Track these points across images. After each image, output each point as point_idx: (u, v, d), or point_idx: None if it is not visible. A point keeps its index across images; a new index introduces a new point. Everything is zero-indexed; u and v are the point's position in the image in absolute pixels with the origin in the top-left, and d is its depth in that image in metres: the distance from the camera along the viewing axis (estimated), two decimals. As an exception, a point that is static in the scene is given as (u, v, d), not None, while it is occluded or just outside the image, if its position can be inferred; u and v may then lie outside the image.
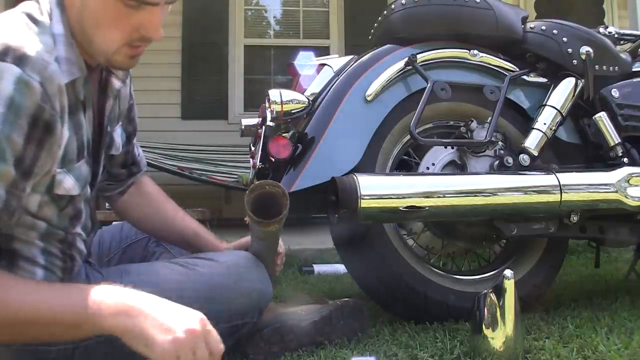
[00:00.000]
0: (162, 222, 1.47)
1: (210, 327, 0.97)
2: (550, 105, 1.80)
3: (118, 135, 1.32)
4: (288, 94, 1.71)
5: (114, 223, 1.57)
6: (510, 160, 1.74)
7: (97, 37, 1.05)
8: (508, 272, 1.31)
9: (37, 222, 1.08)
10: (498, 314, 1.29)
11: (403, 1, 1.79)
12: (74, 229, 1.16)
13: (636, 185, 1.72)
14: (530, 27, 1.88)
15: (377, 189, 1.54)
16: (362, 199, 1.49)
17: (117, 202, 1.47)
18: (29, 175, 0.98)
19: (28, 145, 0.96)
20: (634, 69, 1.94)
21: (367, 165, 1.65)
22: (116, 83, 1.24)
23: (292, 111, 1.69)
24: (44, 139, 0.98)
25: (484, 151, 1.76)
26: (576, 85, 1.83)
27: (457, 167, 1.76)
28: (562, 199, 1.66)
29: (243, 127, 1.89)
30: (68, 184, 1.09)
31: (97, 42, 1.06)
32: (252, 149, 1.83)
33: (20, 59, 0.95)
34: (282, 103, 1.67)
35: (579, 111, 1.87)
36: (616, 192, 1.71)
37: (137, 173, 1.46)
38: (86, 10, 1.04)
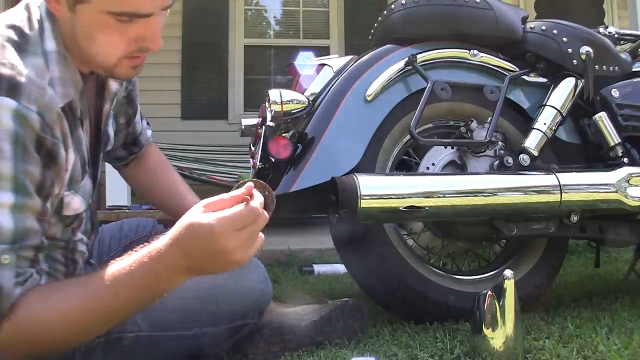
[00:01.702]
0: (160, 196, 1.50)
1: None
2: (550, 105, 1.80)
3: (111, 129, 1.31)
4: (288, 94, 1.71)
5: (114, 222, 1.57)
6: (510, 160, 1.74)
7: (93, 52, 1.01)
8: (508, 272, 1.31)
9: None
10: (498, 314, 1.29)
11: (403, 1, 1.79)
12: (75, 237, 1.16)
13: (636, 185, 1.72)
14: (530, 27, 1.88)
15: (377, 189, 1.54)
16: (362, 199, 1.49)
17: (122, 172, 1.52)
18: (48, 197, 0.99)
19: (43, 171, 0.96)
20: (634, 69, 1.94)
21: (367, 165, 1.64)
22: (114, 86, 1.22)
23: (292, 111, 1.69)
24: (50, 166, 0.98)
25: (484, 151, 1.76)
26: (576, 85, 1.83)
27: (457, 167, 1.76)
28: (562, 199, 1.66)
29: (243, 127, 1.88)
30: (76, 204, 1.09)
31: (93, 57, 1.02)
32: (252, 149, 1.83)
33: (14, 90, 0.92)
34: (282, 103, 1.67)
35: (579, 111, 1.87)
36: (616, 192, 1.70)
37: (138, 152, 1.47)
38: (78, 25, 0.99)
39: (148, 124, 1.52)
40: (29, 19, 1.01)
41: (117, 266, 0.96)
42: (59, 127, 0.98)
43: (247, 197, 0.95)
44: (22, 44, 0.98)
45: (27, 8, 1.03)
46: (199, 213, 0.93)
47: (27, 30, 1.00)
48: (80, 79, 1.06)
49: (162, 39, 1.03)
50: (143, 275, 0.94)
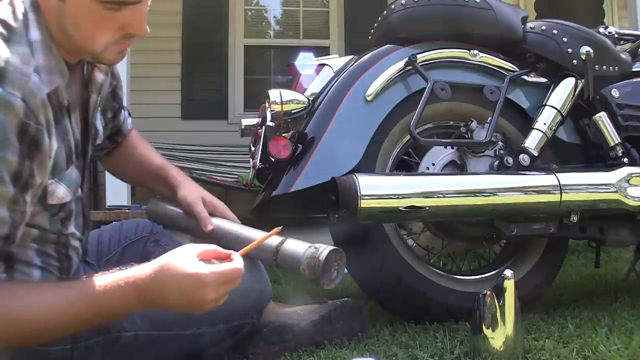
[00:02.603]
0: (137, 169, 1.50)
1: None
2: (550, 105, 1.80)
3: (99, 123, 1.31)
4: (288, 94, 1.71)
5: (113, 223, 1.57)
6: (510, 160, 1.74)
7: (81, 40, 1.03)
8: (508, 272, 1.31)
9: (30, 230, 1.08)
10: (498, 314, 1.29)
11: (403, 1, 1.79)
12: (66, 230, 1.16)
13: (636, 185, 1.72)
14: (530, 27, 1.88)
15: (377, 189, 1.54)
16: (362, 199, 1.49)
17: (104, 160, 1.52)
18: (26, 188, 0.98)
19: (22, 160, 0.96)
20: (634, 69, 1.94)
21: (367, 165, 1.64)
22: (99, 76, 1.23)
23: (292, 111, 1.69)
24: (33, 154, 0.97)
25: (484, 151, 1.76)
26: (576, 85, 1.83)
27: (457, 167, 1.76)
28: (562, 199, 1.66)
29: (243, 127, 1.88)
30: (60, 192, 1.09)
31: (82, 45, 1.04)
32: (252, 149, 1.83)
33: None
34: (282, 103, 1.67)
35: (579, 111, 1.87)
36: (616, 192, 1.70)
37: (121, 141, 1.48)
38: (66, 15, 1.01)
39: (129, 113, 1.52)
40: (13, 12, 1.03)
41: (94, 282, 1.00)
42: (43, 114, 0.99)
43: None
44: (6, 34, 1.00)
45: (11, 3, 1.05)
46: (193, 259, 0.99)
47: (11, 22, 1.02)
48: (66, 68, 1.07)
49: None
50: (117, 297, 0.99)
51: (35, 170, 0.99)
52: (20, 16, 1.03)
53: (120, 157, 1.50)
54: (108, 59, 1.09)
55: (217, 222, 1.34)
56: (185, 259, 0.99)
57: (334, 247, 1.21)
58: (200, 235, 1.34)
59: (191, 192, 1.39)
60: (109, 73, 1.30)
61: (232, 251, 1.04)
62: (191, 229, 1.36)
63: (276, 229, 1.14)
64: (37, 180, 1.01)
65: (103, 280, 1.00)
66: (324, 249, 1.19)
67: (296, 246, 1.22)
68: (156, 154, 1.53)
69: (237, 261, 1.02)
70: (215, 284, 0.98)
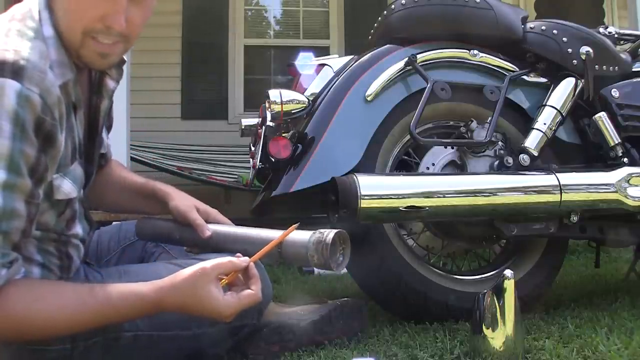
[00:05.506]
0: (119, 189, 1.46)
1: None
2: (550, 105, 1.80)
3: (105, 133, 1.33)
4: (288, 94, 1.71)
5: (113, 223, 1.57)
6: (510, 160, 1.74)
7: (66, 28, 1.05)
8: (508, 272, 1.31)
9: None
10: (498, 314, 1.29)
11: (403, 1, 1.79)
12: (69, 231, 1.16)
13: (636, 185, 1.72)
14: (530, 27, 1.88)
15: (377, 189, 1.54)
16: (362, 199, 1.49)
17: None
18: (41, 182, 1.01)
19: (39, 155, 0.98)
20: (634, 69, 1.94)
21: (367, 165, 1.64)
22: (111, 83, 1.24)
23: (292, 111, 1.70)
24: (47, 149, 1.00)
25: (484, 151, 1.76)
26: (576, 85, 1.83)
27: (457, 167, 1.76)
28: (562, 199, 1.66)
29: (243, 127, 1.89)
30: (67, 187, 1.10)
31: (66, 35, 1.06)
32: (252, 149, 1.83)
33: (18, 72, 0.96)
34: (282, 103, 1.67)
35: (579, 111, 1.87)
36: (616, 192, 1.70)
37: (104, 164, 1.46)
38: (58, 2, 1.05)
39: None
40: (30, 11, 1.07)
41: (112, 287, 1.06)
42: (58, 109, 1.01)
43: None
44: (24, 31, 1.04)
45: (28, 4, 1.09)
46: (215, 289, 1.06)
47: (29, 19, 1.06)
48: (74, 66, 1.09)
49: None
50: (135, 308, 1.06)
51: (49, 165, 1.01)
52: (36, 15, 1.07)
53: (102, 180, 1.44)
54: (88, 57, 1.08)
55: (213, 227, 1.33)
56: (208, 288, 1.05)
57: (338, 230, 1.19)
58: (196, 243, 1.34)
59: (182, 201, 1.36)
60: (119, 81, 1.30)
61: (247, 259, 1.11)
62: (187, 238, 1.35)
63: (294, 226, 1.19)
64: (49, 176, 1.03)
65: (121, 287, 1.06)
66: (329, 233, 1.17)
67: (299, 235, 1.21)
68: (138, 175, 1.49)
69: (256, 287, 1.10)
70: (234, 314, 1.09)
